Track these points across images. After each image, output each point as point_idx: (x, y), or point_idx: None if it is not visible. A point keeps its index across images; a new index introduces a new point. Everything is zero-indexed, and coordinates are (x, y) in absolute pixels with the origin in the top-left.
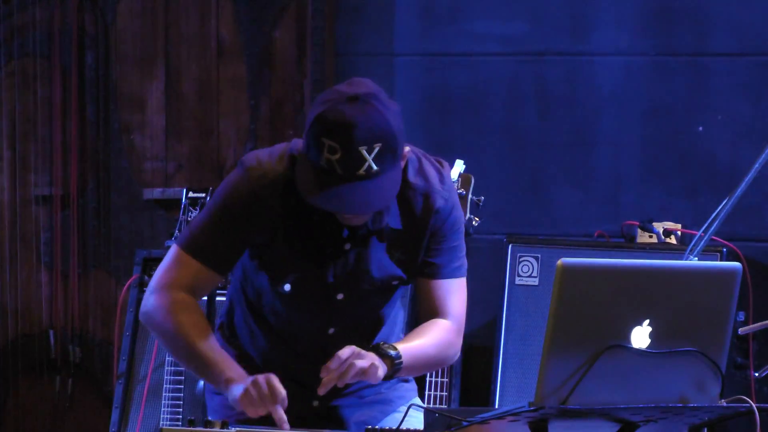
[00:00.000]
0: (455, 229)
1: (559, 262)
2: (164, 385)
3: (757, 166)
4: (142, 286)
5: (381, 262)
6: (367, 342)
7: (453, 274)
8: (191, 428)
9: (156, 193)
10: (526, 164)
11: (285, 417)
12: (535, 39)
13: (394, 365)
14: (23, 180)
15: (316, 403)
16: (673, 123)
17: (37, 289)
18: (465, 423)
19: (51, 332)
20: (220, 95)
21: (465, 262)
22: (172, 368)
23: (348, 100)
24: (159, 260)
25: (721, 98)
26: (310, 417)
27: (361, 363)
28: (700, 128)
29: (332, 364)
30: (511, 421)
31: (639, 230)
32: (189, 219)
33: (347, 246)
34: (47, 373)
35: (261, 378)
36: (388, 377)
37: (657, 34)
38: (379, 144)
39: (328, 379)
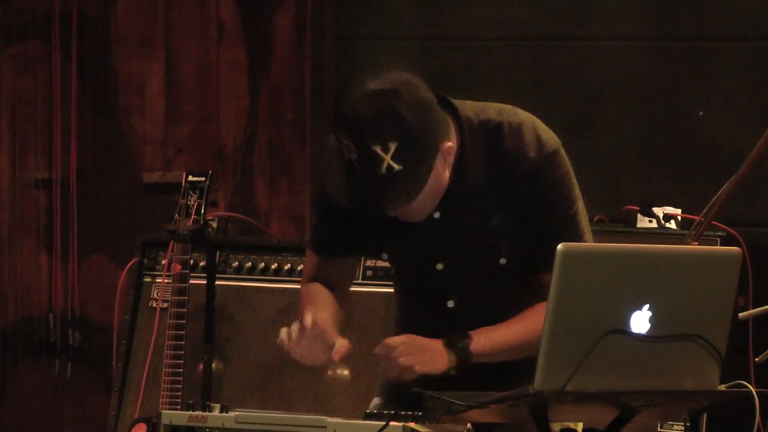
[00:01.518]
0: (557, 204)
1: (560, 246)
2: (164, 369)
3: (757, 150)
4: (141, 269)
5: (475, 228)
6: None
7: None
8: (191, 412)
9: (156, 176)
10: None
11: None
12: (535, 23)
13: (461, 356)
14: (23, 163)
15: (453, 372)
16: (673, 108)
17: (36, 273)
18: (465, 407)
19: (50, 316)
20: (220, 79)
21: (586, 236)
22: (172, 352)
23: (366, 96)
24: (158, 244)
25: (721, 83)
26: (446, 382)
27: (402, 360)
28: (701, 113)
29: (379, 349)
30: (511, 405)
31: (639, 215)
32: (189, 203)
33: (436, 214)
34: (47, 356)
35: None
36: (460, 367)
37: (657, 19)
38: (395, 143)
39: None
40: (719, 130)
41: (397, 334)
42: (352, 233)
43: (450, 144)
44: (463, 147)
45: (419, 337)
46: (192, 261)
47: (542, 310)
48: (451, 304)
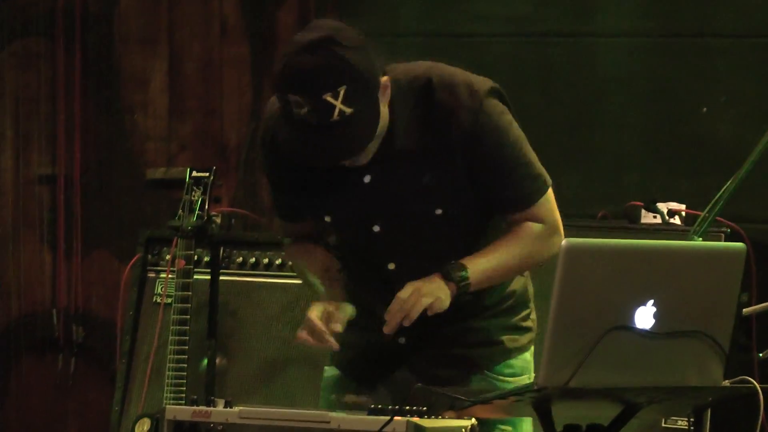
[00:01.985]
0: (499, 146)
1: (563, 242)
2: (167, 365)
3: (761, 146)
4: (145, 265)
5: (408, 188)
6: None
7: (525, 202)
8: (194, 407)
9: (159, 172)
10: (529, 144)
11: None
12: (538, 20)
13: (460, 286)
14: (26, 160)
15: (402, 341)
16: (676, 104)
17: (40, 269)
18: (468, 403)
19: (54, 312)
20: (223, 75)
21: (538, 180)
22: (176, 347)
23: (303, 49)
24: (162, 240)
25: (725, 79)
26: (399, 356)
27: (424, 301)
28: (704, 109)
29: (393, 305)
30: (515, 401)
31: (643, 211)
32: (192, 199)
33: (366, 178)
34: (50, 352)
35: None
36: (460, 297)
37: (661, 15)
38: (344, 86)
39: (391, 321)
40: (723, 125)
41: (353, 300)
42: (300, 197)
43: (385, 78)
44: (393, 107)
45: (420, 280)
46: (195, 257)
47: (522, 232)
48: (391, 266)
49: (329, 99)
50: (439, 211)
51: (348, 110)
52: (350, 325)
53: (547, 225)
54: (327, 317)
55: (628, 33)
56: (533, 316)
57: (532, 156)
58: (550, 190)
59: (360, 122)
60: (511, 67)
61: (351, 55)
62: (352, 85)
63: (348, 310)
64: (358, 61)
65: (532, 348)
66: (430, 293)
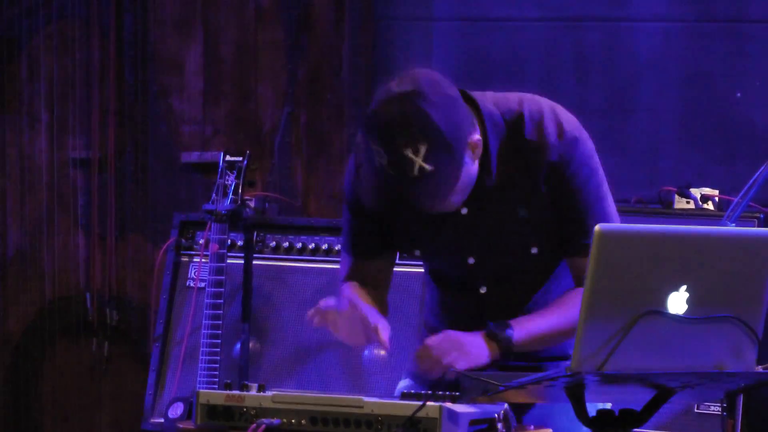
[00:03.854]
0: (581, 188)
1: (597, 227)
2: (201, 348)
3: None
4: (179, 249)
5: (503, 223)
6: (520, 305)
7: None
8: (227, 391)
9: (193, 156)
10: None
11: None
12: (573, 4)
13: (502, 346)
14: (61, 143)
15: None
16: (711, 89)
17: (74, 252)
18: (501, 388)
19: (87, 295)
20: (259, 59)
21: (614, 218)
22: (209, 331)
23: (391, 100)
24: (196, 224)
25: (759, 64)
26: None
27: (446, 360)
28: (738, 94)
29: (420, 351)
30: (548, 386)
31: (676, 196)
32: (226, 183)
33: (464, 210)
34: (84, 335)
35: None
36: (503, 357)
37: (695, 0)
38: (425, 145)
39: (421, 366)
40: (757, 110)
41: (426, 320)
42: (384, 233)
43: (477, 137)
44: (487, 141)
45: (458, 333)
46: (229, 241)
47: (576, 297)
48: (483, 290)
49: (410, 155)
50: (534, 250)
51: (428, 168)
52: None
53: None
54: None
55: (663, 18)
56: None
57: (611, 209)
58: None
59: (440, 180)
60: (545, 51)
61: (436, 112)
62: (434, 143)
63: (388, 329)
64: (444, 119)
65: None
66: (459, 348)
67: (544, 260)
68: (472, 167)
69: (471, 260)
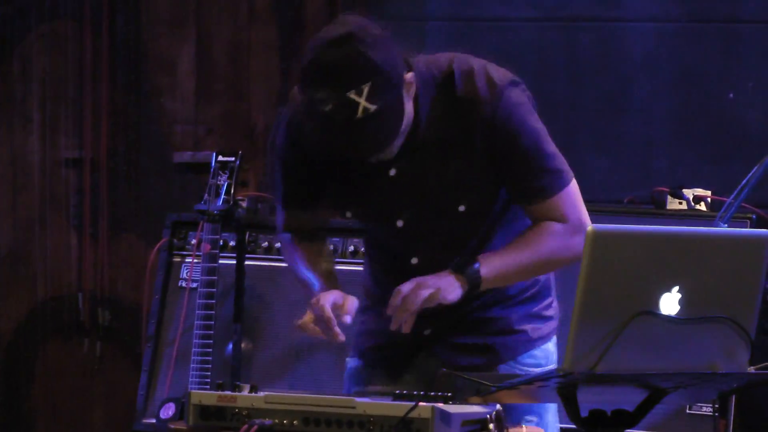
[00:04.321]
0: (516, 137)
1: (589, 228)
2: (193, 349)
3: None
4: (171, 249)
5: (433, 182)
6: None
7: (542, 194)
8: (220, 392)
9: (186, 156)
10: (557, 130)
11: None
12: (566, 4)
13: (471, 279)
14: (53, 142)
15: (427, 332)
16: (704, 89)
17: (66, 252)
18: (494, 388)
19: (80, 295)
20: (251, 58)
21: (557, 173)
22: (201, 332)
23: (327, 46)
24: (188, 224)
25: (752, 65)
26: (422, 345)
27: (423, 293)
28: (731, 95)
29: (393, 299)
30: (540, 386)
31: (669, 197)
32: (219, 183)
33: (392, 171)
34: (76, 335)
35: (315, 305)
36: (471, 292)
37: (688, 1)
38: (368, 83)
39: (396, 317)
40: (750, 111)
41: (364, 292)
42: (316, 189)
43: (410, 74)
44: (417, 99)
45: (426, 276)
46: (222, 241)
47: (539, 233)
48: (414, 260)
49: (353, 96)
50: (462, 208)
51: (372, 107)
52: (373, 315)
53: (569, 224)
54: (335, 307)
55: (656, 18)
56: (555, 304)
57: (552, 149)
58: (572, 187)
59: (385, 119)
60: (538, 52)
61: (375, 52)
62: (375, 82)
63: (355, 303)
64: (382, 59)
65: (554, 338)
66: (432, 285)
67: (472, 219)
68: (408, 107)
69: (400, 223)
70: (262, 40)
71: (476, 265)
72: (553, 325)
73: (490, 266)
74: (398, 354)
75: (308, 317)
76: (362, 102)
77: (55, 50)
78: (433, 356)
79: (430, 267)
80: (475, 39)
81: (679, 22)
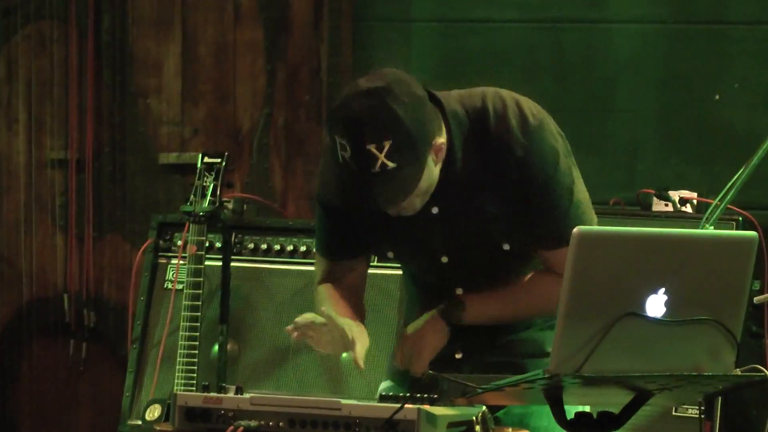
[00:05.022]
0: (547, 181)
1: (575, 230)
2: (178, 350)
3: None
4: (157, 250)
5: (473, 220)
6: None
7: (563, 241)
8: (205, 393)
9: (172, 157)
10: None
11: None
12: (551, 6)
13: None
14: (39, 143)
15: (459, 356)
16: (689, 91)
17: (52, 253)
18: (480, 390)
19: (65, 296)
20: (237, 59)
21: (587, 217)
22: (187, 333)
23: (359, 95)
24: (174, 225)
25: (738, 66)
26: (452, 368)
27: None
28: (717, 96)
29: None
30: (526, 388)
31: (655, 198)
32: (205, 184)
33: (434, 210)
34: (61, 336)
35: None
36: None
37: (674, 2)
38: (390, 141)
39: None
40: (736, 113)
41: (407, 321)
42: (356, 234)
43: (441, 140)
44: (452, 139)
45: (424, 323)
46: (207, 242)
47: (536, 286)
48: (459, 291)
49: (373, 150)
50: (506, 246)
51: (391, 165)
52: None
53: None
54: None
55: (642, 19)
56: None
57: (580, 197)
58: None
59: (401, 178)
60: (524, 53)
61: (403, 110)
62: (398, 140)
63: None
64: (410, 118)
65: None
66: (430, 346)
67: (516, 256)
68: (434, 170)
69: (444, 259)
70: (247, 41)
71: (461, 311)
72: None
73: (475, 311)
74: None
75: (309, 323)
76: (381, 157)
77: (41, 51)
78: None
79: (473, 294)
80: (461, 40)
81: (665, 23)
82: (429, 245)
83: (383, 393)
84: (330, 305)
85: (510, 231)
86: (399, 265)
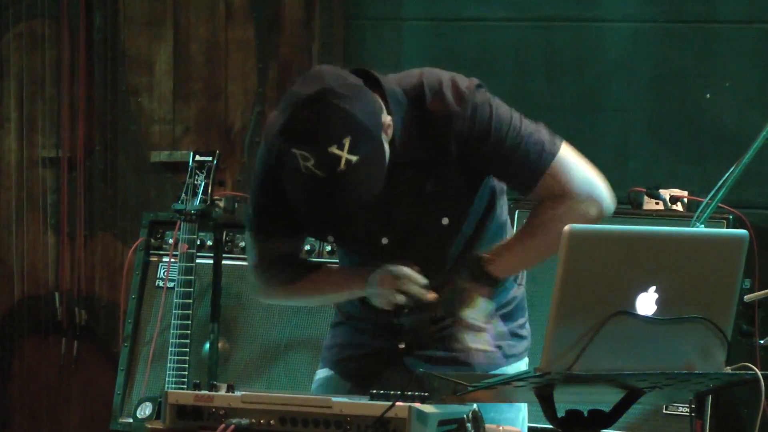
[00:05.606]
0: (495, 134)
1: (566, 228)
2: (170, 349)
3: (764, 133)
4: (148, 248)
5: (413, 199)
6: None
7: (535, 174)
8: (196, 391)
9: (163, 155)
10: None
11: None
12: (543, 5)
13: (490, 281)
14: (30, 141)
15: (401, 345)
16: (680, 90)
17: (43, 251)
18: (471, 388)
19: (57, 294)
20: (228, 58)
21: (545, 141)
22: (178, 331)
23: (303, 105)
24: (165, 223)
25: (728, 65)
26: (396, 358)
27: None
28: (708, 95)
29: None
30: (517, 387)
31: (646, 197)
32: (196, 182)
33: None
34: (53, 335)
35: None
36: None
37: (665, 1)
38: (348, 137)
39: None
40: (726, 112)
41: (337, 308)
42: (295, 219)
43: (388, 118)
44: (392, 119)
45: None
46: (199, 240)
47: (545, 218)
48: None
49: (335, 151)
50: (445, 221)
51: (354, 158)
52: (346, 330)
53: (571, 195)
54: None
55: (633, 18)
56: (528, 325)
57: (527, 129)
58: (562, 155)
59: (368, 167)
60: (515, 52)
61: (352, 104)
62: (356, 134)
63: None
64: (360, 109)
65: (527, 359)
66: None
67: (455, 231)
68: (387, 148)
69: (384, 240)
70: (239, 40)
71: (490, 275)
72: (526, 344)
73: (502, 268)
74: (370, 365)
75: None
76: (344, 155)
77: (33, 49)
78: (405, 369)
79: None
80: (453, 39)
81: (656, 22)
82: (370, 228)
83: (316, 381)
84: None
85: (450, 205)
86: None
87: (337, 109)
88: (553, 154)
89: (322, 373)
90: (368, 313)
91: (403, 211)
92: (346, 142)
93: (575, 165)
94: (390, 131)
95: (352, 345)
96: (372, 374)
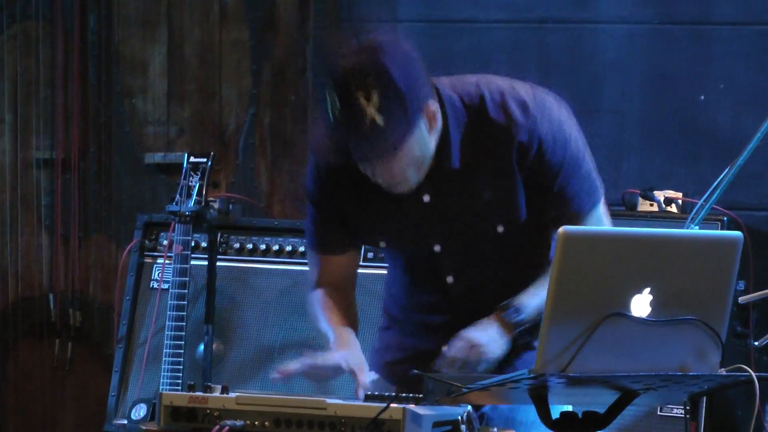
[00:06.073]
0: (557, 161)
1: (561, 229)
2: (164, 350)
3: (758, 134)
4: (142, 250)
5: (468, 207)
6: (493, 299)
7: (579, 214)
8: (191, 393)
9: (157, 157)
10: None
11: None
12: (537, 6)
13: (515, 325)
14: (24, 143)
15: (445, 348)
16: (675, 91)
17: (37, 253)
18: (465, 390)
19: (51, 296)
20: (223, 59)
21: (592, 194)
22: (173, 333)
23: (352, 48)
24: (160, 225)
25: (723, 67)
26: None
27: (471, 354)
28: (702, 97)
29: (442, 361)
30: (512, 388)
31: (640, 198)
32: (190, 184)
33: (425, 197)
34: (47, 336)
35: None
36: (518, 334)
37: (660, 2)
38: (377, 92)
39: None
40: (721, 113)
41: (387, 309)
42: (347, 226)
43: (434, 106)
44: (447, 125)
45: (471, 331)
46: (193, 242)
47: None
48: (450, 279)
49: (361, 100)
50: (500, 229)
51: (379, 119)
52: (392, 334)
53: None
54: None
55: (627, 20)
56: None
57: (587, 167)
58: (602, 205)
59: (390, 135)
60: (509, 53)
61: (395, 67)
62: (387, 94)
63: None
64: (400, 75)
65: None
66: (478, 341)
67: (510, 241)
68: (429, 141)
69: (437, 247)
70: (233, 41)
71: (515, 309)
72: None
73: (532, 307)
74: (417, 368)
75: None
76: (370, 110)
77: (27, 51)
78: None
79: (465, 285)
80: (446, 40)
81: (650, 23)
82: (421, 233)
83: (372, 387)
84: (323, 318)
85: (505, 214)
86: (383, 265)
87: (378, 62)
88: (598, 201)
89: (370, 377)
90: (410, 316)
91: (457, 218)
92: (374, 97)
93: (607, 220)
94: (434, 123)
95: (398, 347)
96: (417, 379)
